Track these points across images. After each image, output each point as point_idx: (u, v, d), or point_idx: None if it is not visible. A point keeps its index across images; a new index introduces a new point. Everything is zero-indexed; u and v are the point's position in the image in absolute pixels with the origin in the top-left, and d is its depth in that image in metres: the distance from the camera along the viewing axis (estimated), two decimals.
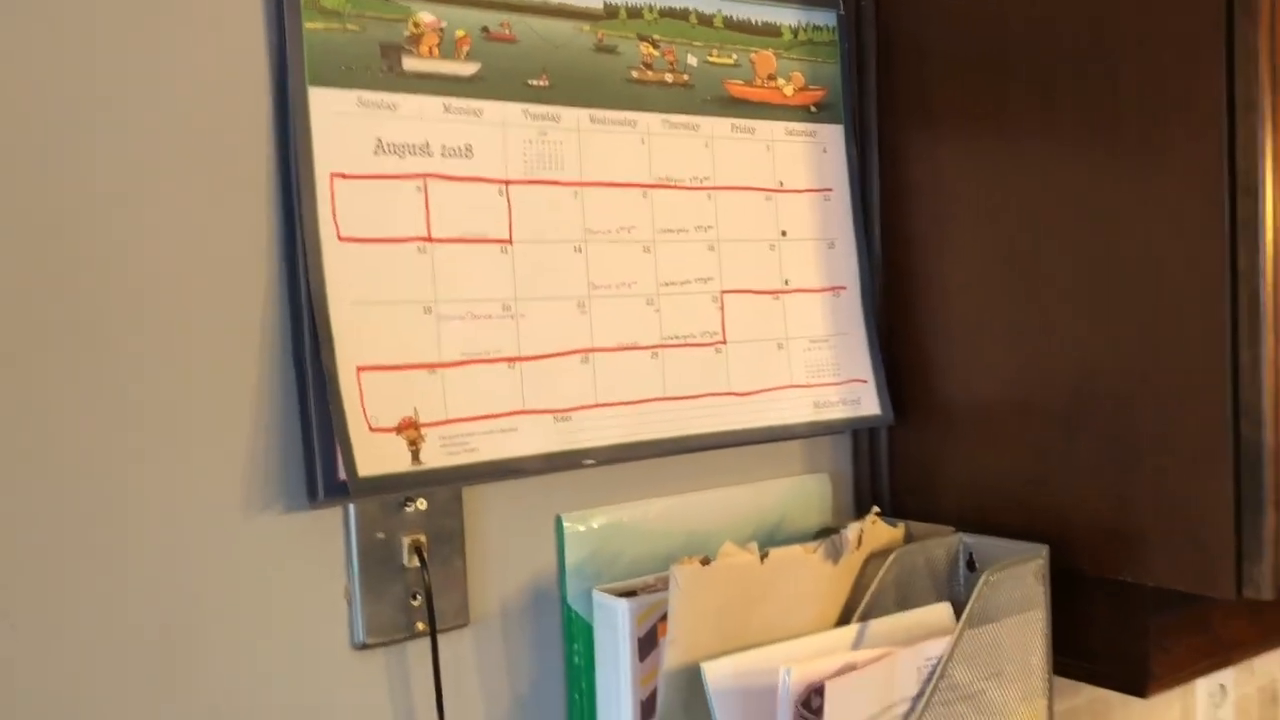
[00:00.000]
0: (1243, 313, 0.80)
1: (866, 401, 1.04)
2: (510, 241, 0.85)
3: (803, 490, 1.04)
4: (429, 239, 0.81)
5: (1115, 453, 0.88)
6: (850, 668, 0.74)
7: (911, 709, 0.78)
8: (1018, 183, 0.94)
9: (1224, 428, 0.81)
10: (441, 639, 0.83)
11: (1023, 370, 0.95)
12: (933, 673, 0.79)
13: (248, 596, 0.77)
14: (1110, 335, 0.88)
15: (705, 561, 0.80)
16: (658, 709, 0.82)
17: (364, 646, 0.81)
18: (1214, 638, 0.93)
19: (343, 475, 0.76)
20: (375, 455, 0.77)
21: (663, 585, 0.90)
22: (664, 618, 0.88)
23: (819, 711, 0.75)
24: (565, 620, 0.91)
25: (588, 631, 0.91)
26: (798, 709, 0.75)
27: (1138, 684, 0.90)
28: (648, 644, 0.87)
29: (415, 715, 0.84)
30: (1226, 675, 1.44)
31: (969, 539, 0.93)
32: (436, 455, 0.80)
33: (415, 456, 0.79)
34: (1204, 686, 1.42)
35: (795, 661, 0.75)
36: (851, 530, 0.86)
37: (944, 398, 1.02)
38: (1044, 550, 0.87)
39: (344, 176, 0.78)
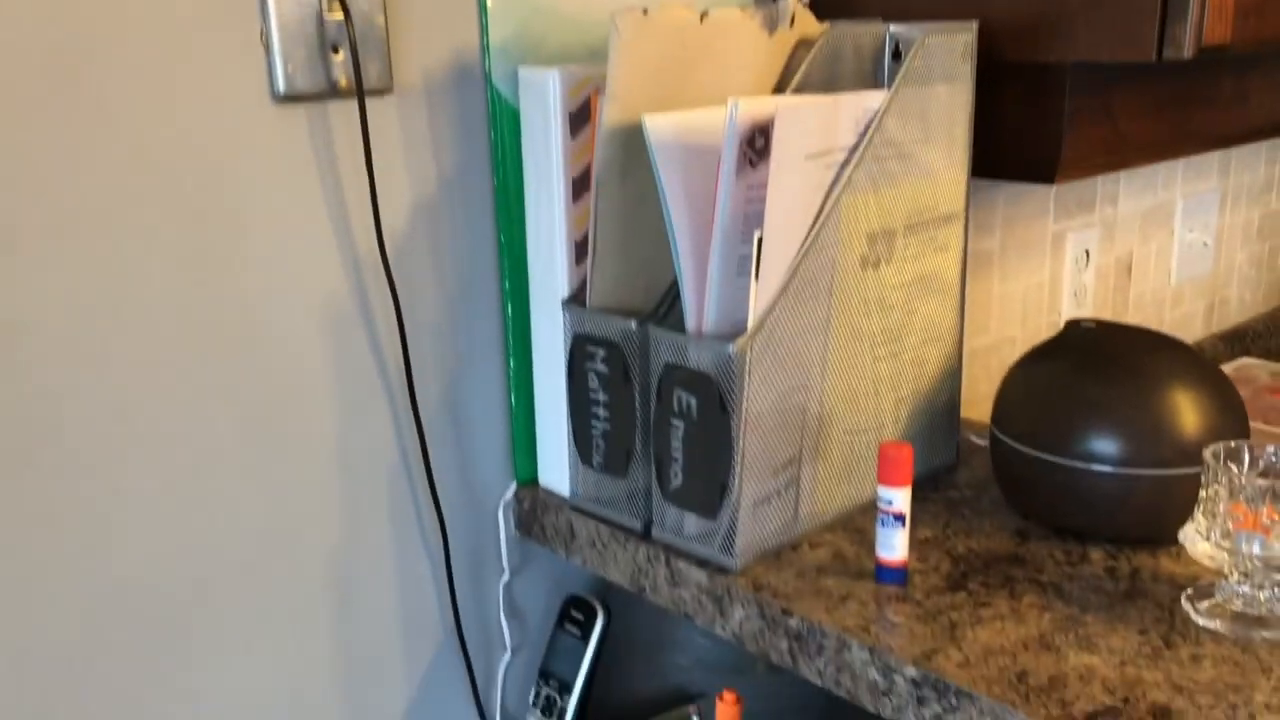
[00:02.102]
0: None
1: None
2: None
3: None
4: None
5: None
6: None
7: (849, 157, 0.79)
8: None
9: None
10: (366, 103, 0.79)
11: None
12: (870, 123, 0.79)
13: (154, 24, 0.71)
14: None
15: (645, 13, 0.77)
16: (594, 173, 0.81)
17: (285, 99, 0.77)
18: (1118, 133, 0.97)
19: None
20: None
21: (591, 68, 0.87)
22: (597, 91, 0.85)
23: (763, 152, 0.75)
24: (490, 102, 0.88)
25: (513, 116, 0.88)
26: (743, 148, 0.74)
27: (1047, 169, 0.93)
28: (580, 119, 0.85)
29: (340, 177, 0.81)
30: (1092, 242, 1.53)
31: (896, 27, 0.92)
32: None
33: None
34: (1071, 253, 1.51)
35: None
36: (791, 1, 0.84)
37: None
38: (974, 25, 0.87)
39: None
